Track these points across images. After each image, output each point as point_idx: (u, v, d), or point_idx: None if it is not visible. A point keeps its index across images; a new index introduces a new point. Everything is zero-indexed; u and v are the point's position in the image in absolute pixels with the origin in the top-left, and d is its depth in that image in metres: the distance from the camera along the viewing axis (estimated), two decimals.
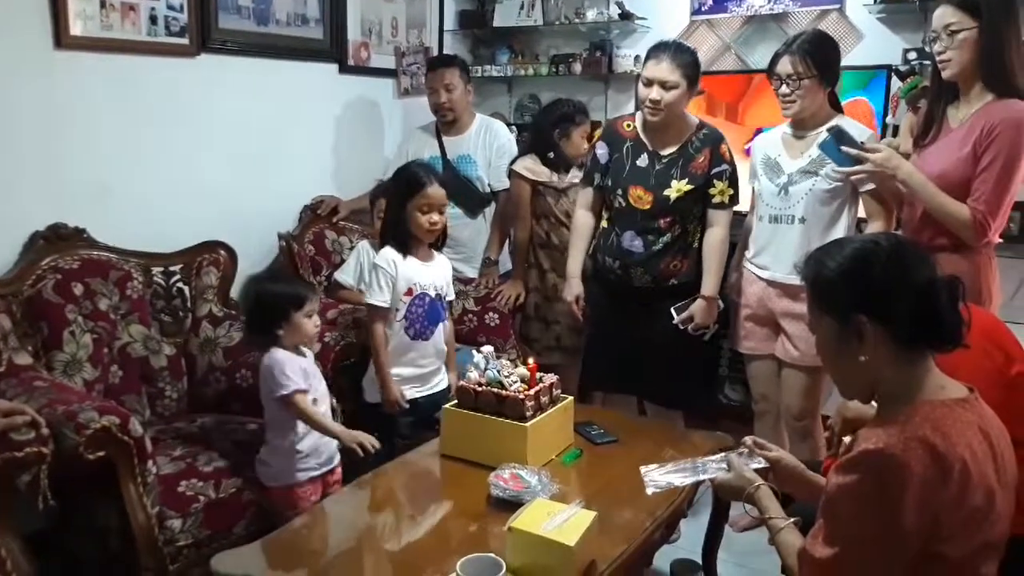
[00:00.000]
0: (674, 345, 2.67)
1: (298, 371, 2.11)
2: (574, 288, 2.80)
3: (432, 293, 2.46)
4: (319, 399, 2.18)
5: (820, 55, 2.40)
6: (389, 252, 2.42)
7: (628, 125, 2.72)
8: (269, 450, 2.16)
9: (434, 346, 2.50)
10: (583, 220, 2.83)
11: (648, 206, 2.62)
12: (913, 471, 1.17)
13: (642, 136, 2.67)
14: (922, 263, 1.31)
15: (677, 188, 2.59)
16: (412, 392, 2.46)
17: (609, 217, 2.76)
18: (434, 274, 2.48)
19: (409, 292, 2.42)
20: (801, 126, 2.51)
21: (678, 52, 2.54)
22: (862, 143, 2.28)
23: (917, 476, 1.17)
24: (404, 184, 2.42)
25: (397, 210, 2.43)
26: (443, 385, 2.55)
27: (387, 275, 2.39)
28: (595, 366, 2.94)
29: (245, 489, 2.19)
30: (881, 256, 1.30)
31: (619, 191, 2.67)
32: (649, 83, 2.53)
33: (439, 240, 2.54)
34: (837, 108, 2.55)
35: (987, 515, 1.23)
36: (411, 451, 2.21)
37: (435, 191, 2.39)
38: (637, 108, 2.82)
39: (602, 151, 2.74)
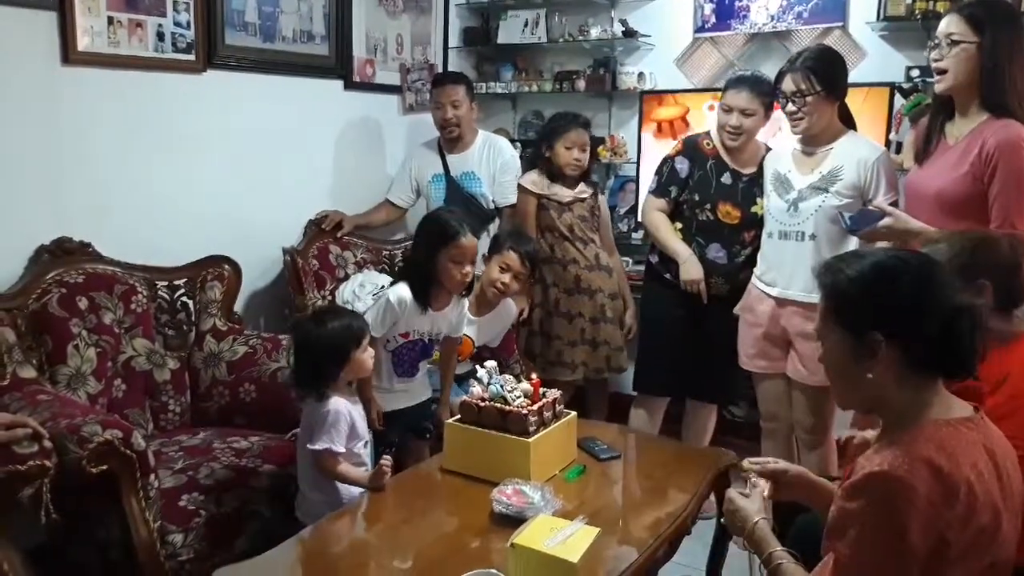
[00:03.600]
0: (729, 340, 2.78)
1: (344, 430, 2.04)
2: (699, 267, 2.77)
3: (426, 339, 2.44)
4: (366, 445, 2.16)
5: (824, 71, 2.41)
6: (405, 293, 2.34)
7: (708, 143, 2.84)
8: (307, 493, 2.12)
9: (417, 380, 2.50)
10: (663, 216, 2.87)
11: (736, 221, 2.77)
12: (919, 492, 1.15)
13: (723, 155, 2.80)
14: (949, 286, 1.28)
15: (761, 205, 2.72)
16: (398, 403, 2.46)
17: (685, 228, 2.84)
18: (440, 322, 2.44)
19: (406, 335, 2.41)
20: (811, 142, 2.51)
21: (757, 83, 2.72)
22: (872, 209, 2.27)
23: (923, 497, 1.15)
24: (436, 233, 2.34)
25: (426, 256, 2.35)
26: (427, 395, 2.56)
27: (394, 315, 2.34)
28: (652, 372, 3.01)
29: (246, 504, 2.18)
30: (908, 275, 1.27)
31: (707, 205, 2.79)
32: (729, 110, 2.71)
33: (468, 287, 2.48)
34: (849, 123, 2.54)
35: (993, 536, 1.21)
36: (413, 466, 2.21)
37: (469, 241, 2.33)
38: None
39: (682, 166, 2.84)
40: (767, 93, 2.70)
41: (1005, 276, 1.67)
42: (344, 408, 2.06)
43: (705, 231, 2.80)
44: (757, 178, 2.76)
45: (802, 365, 2.54)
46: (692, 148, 2.85)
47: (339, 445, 2.03)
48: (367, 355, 2.13)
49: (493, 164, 3.33)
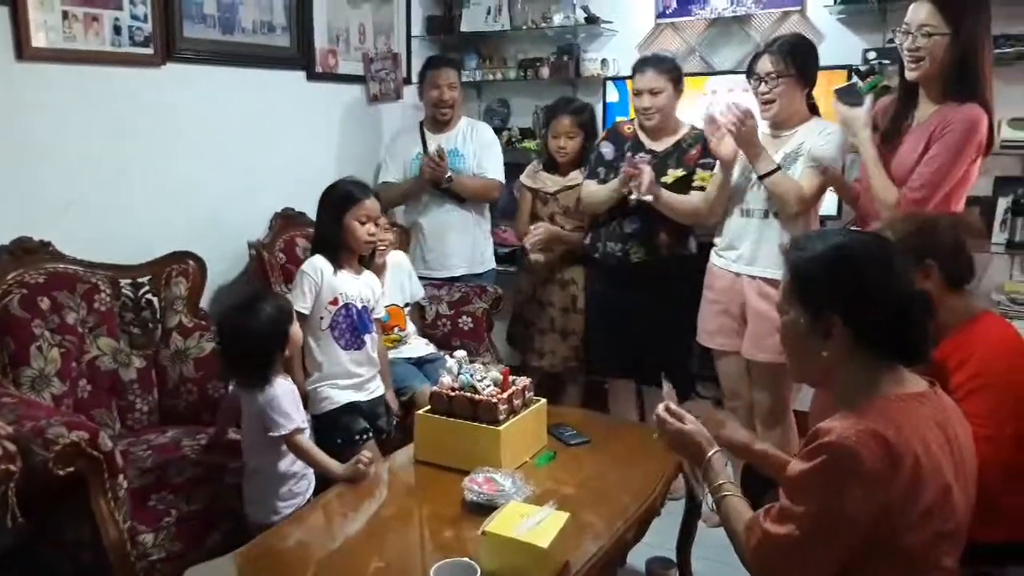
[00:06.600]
0: (670, 323, 2.92)
1: (295, 405, 2.07)
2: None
3: (359, 305, 2.48)
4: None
5: (799, 55, 2.49)
6: (318, 260, 2.45)
7: (628, 128, 2.97)
8: (260, 488, 2.12)
9: (366, 355, 2.51)
10: (594, 185, 2.97)
11: None
12: (864, 462, 1.20)
13: (640, 136, 2.91)
14: (907, 273, 1.33)
15: (673, 175, 2.83)
16: (352, 395, 2.48)
17: (614, 207, 2.92)
18: (362, 287, 2.51)
19: (335, 302, 2.43)
20: (779, 126, 2.59)
21: (659, 60, 2.88)
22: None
23: (868, 468, 1.20)
24: (340, 198, 2.46)
25: (332, 222, 2.46)
26: (380, 392, 2.58)
27: (312, 281, 2.41)
28: (599, 351, 3.10)
29: (217, 501, 2.17)
30: (868, 261, 1.31)
31: None
32: (639, 93, 2.82)
33: (370, 256, 2.58)
34: (815, 113, 2.62)
35: (942, 507, 1.26)
36: (384, 458, 2.22)
37: (372, 203, 2.47)
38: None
39: (607, 150, 2.97)
40: (671, 69, 2.84)
41: (950, 256, 1.74)
42: (285, 388, 2.08)
43: (625, 207, 2.86)
44: (673, 152, 2.86)
45: (753, 343, 2.59)
46: (614, 133, 3.03)
47: (302, 421, 2.08)
48: (296, 326, 2.18)
49: (475, 143, 3.40)
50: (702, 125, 2.70)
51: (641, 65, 2.86)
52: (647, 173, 2.69)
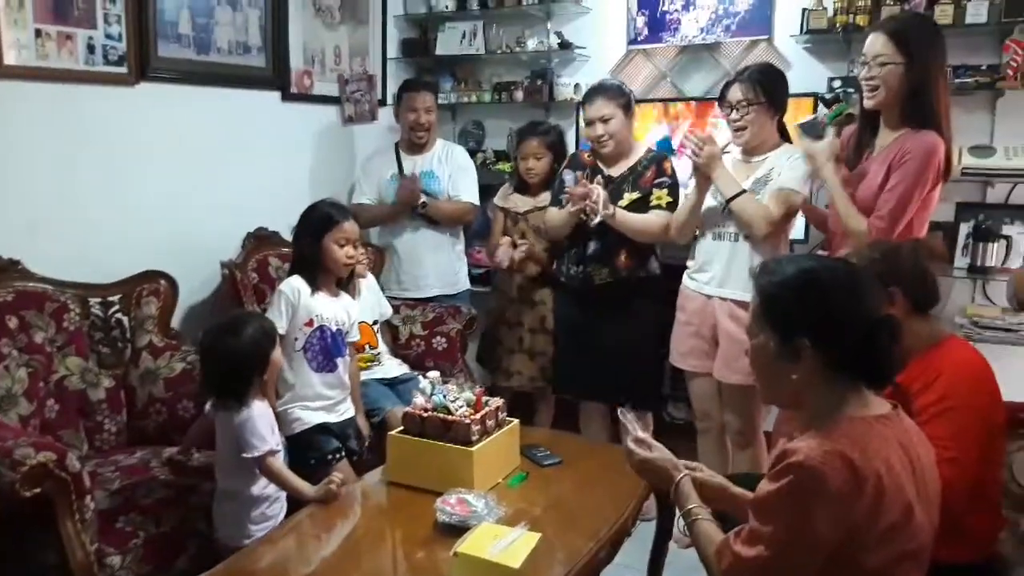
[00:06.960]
0: (636, 344, 2.92)
1: (270, 428, 2.08)
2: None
3: (333, 327, 2.49)
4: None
5: (768, 84, 2.56)
6: (296, 281, 2.46)
7: (588, 155, 3.00)
8: (233, 511, 2.11)
9: (338, 378, 2.52)
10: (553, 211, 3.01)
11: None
12: (830, 483, 1.22)
13: (598, 162, 2.95)
14: (874, 298, 1.36)
15: (628, 198, 2.86)
16: (323, 416, 2.48)
17: (576, 232, 2.95)
18: (338, 310, 2.52)
19: (310, 323, 2.44)
20: (750, 152, 2.65)
21: (606, 88, 2.90)
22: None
23: (833, 489, 1.22)
24: (319, 221, 2.48)
25: (310, 244, 2.47)
26: (350, 413, 2.58)
27: (288, 302, 2.42)
28: (565, 373, 3.11)
29: (186, 522, 2.15)
30: (838, 287, 1.34)
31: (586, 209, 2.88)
32: (591, 123, 2.85)
33: (348, 278, 2.60)
34: (786, 139, 2.68)
35: (904, 527, 1.28)
36: (357, 480, 2.21)
37: (351, 226, 2.50)
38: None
39: (568, 177, 2.98)
40: (620, 95, 2.86)
41: (913, 281, 1.78)
42: (261, 410, 2.08)
43: (587, 230, 2.89)
44: (628, 176, 2.90)
45: (724, 364, 2.63)
46: (574, 160, 3.07)
47: (276, 444, 2.07)
48: (278, 351, 2.19)
49: (451, 166, 3.42)
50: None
51: (590, 95, 2.89)
52: (596, 190, 2.73)
